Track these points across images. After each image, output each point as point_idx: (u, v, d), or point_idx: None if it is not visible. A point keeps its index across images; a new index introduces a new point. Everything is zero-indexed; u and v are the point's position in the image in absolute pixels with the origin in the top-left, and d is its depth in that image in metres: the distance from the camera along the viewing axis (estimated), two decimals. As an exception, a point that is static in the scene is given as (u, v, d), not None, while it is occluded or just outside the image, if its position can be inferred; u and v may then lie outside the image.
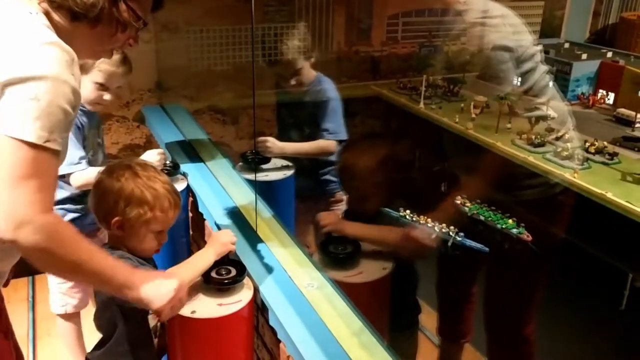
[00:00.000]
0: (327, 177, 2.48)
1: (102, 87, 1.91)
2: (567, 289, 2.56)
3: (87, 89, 1.87)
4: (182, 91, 3.03)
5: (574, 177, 2.18)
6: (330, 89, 2.38)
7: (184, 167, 2.16)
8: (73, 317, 2.16)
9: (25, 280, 2.92)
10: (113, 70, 1.90)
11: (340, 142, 2.35)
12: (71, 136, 1.83)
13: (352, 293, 1.49)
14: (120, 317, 1.36)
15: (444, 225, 1.70)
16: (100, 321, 1.43)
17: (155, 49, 2.90)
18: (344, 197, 2.47)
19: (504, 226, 1.71)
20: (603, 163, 2.34)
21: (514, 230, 1.69)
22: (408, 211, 1.75)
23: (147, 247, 1.42)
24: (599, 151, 2.39)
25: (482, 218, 1.75)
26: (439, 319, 2.30)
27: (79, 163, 1.87)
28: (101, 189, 1.40)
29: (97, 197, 1.41)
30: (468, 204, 1.79)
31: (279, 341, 1.42)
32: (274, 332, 1.44)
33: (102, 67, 1.87)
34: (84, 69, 1.84)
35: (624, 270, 2.50)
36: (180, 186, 2.03)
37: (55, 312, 2.14)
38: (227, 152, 2.42)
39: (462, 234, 1.68)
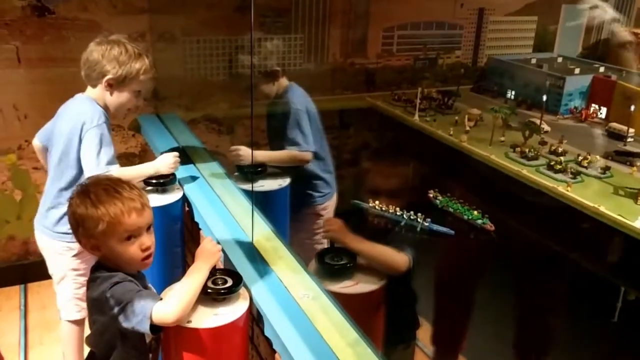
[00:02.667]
0: (308, 191, 2.49)
1: (140, 93, 2.02)
2: (560, 301, 2.57)
3: (127, 97, 1.97)
4: (178, 100, 3.04)
5: (567, 191, 2.20)
6: (297, 101, 2.35)
7: (179, 176, 2.16)
8: (81, 323, 2.16)
9: (17, 288, 2.89)
10: (150, 76, 1.99)
11: (312, 152, 2.34)
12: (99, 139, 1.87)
13: (347, 304, 1.49)
14: (120, 338, 1.35)
15: (411, 212, 1.82)
16: (96, 341, 1.41)
17: (151, 58, 2.90)
18: (323, 212, 2.50)
19: (470, 217, 1.87)
20: (595, 177, 2.36)
21: (479, 221, 1.84)
22: (377, 202, 1.85)
23: (129, 258, 1.36)
24: (592, 165, 2.42)
25: (451, 210, 1.91)
26: (434, 327, 2.29)
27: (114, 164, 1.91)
28: (70, 221, 1.39)
29: (72, 229, 1.40)
30: (439, 197, 1.94)
31: (274, 351, 1.42)
32: (269, 342, 1.44)
33: (142, 77, 1.96)
34: (126, 83, 1.93)
35: (617, 283, 2.51)
36: (175, 196, 2.04)
37: (70, 319, 2.13)
38: (222, 161, 2.42)
39: (429, 219, 1.82)
